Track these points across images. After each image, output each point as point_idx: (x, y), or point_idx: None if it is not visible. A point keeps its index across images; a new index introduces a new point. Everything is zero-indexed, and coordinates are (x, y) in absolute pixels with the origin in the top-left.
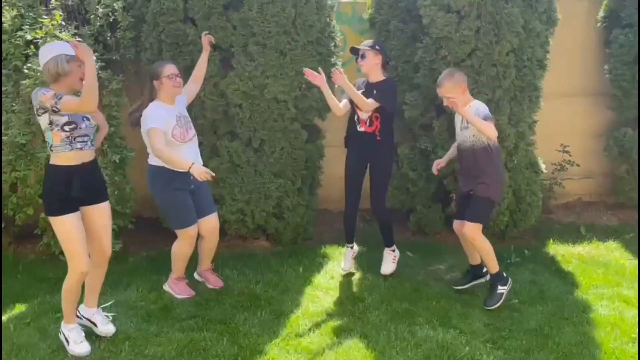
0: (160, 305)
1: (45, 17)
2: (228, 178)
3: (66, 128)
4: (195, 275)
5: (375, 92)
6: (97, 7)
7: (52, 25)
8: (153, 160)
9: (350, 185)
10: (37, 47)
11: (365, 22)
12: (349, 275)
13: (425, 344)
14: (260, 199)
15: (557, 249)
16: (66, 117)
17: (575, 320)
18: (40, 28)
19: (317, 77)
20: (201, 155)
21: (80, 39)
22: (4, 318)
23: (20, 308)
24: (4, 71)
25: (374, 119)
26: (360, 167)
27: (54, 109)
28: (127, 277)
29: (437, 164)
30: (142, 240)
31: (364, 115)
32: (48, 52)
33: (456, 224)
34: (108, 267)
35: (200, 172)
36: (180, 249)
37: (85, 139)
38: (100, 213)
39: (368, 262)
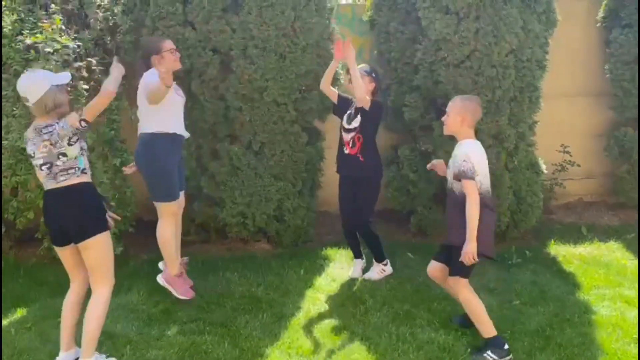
0: (162, 308)
1: (46, 21)
2: (228, 181)
3: (87, 152)
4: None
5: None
6: (97, 11)
7: (52, 29)
8: (150, 128)
9: (343, 209)
10: (37, 52)
11: (365, 24)
12: (349, 278)
13: (426, 345)
14: (260, 201)
15: (558, 250)
16: (84, 142)
17: (576, 321)
18: (41, 32)
19: (340, 53)
20: (201, 158)
21: (79, 43)
22: (4, 322)
23: (21, 312)
24: (4, 75)
25: (356, 140)
26: (349, 191)
27: (82, 123)
28: (128, 281)
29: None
30: (143, 244)
31: (347, 137)
32: (37, 86)
33: (431, 266)
34: None
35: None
36: (165, 228)
37: None
38: None
39: (369, 264)
